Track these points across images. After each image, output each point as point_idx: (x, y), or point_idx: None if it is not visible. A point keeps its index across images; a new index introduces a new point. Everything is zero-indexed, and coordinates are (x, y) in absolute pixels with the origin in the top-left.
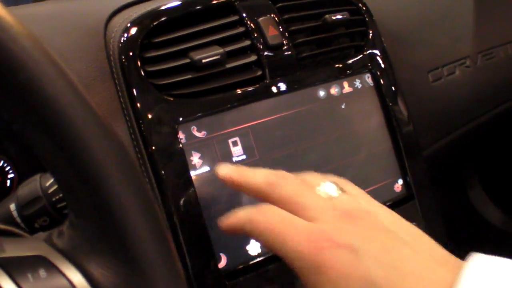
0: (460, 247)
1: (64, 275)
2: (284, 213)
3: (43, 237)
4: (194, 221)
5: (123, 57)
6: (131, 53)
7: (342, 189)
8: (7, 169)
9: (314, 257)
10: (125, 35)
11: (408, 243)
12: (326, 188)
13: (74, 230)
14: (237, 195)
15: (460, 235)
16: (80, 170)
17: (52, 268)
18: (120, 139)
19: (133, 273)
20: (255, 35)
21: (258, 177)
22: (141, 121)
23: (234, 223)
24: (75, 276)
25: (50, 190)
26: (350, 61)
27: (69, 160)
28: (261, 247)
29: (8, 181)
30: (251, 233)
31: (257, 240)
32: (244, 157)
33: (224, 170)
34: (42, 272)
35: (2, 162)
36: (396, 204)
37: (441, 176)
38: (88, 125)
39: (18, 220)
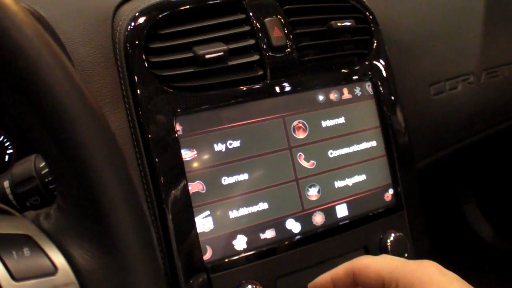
0: (451, 260)
1: (46, 255)
2: None
3: (31, 217)
4: (183, 212)
5: (128, 45)
6: (136, 42)
7: None
8: (6, 144)
9: None
10: (132, 24)
11: None
12: None
13: (60, 213)
14: (228, 191)
15: (452, 248)
16: (70, 158)
17: (36, 247)
18: (112, 132)
19: (113, 260)
20: (260, 35)
21: None
22: (140, 110)
23: None
24: (57, 257)
25: (44, 171)
26: (352, 68)
27: (61, 148)
28: (247, 242)
29: (7, 156)
30: None
31: None
32: (239, 154)
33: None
34: (26, 251)
35: (2, 137)
36: (385, 213)
37: (436, 189)
38: (82, 116)
39: (11, 197)
